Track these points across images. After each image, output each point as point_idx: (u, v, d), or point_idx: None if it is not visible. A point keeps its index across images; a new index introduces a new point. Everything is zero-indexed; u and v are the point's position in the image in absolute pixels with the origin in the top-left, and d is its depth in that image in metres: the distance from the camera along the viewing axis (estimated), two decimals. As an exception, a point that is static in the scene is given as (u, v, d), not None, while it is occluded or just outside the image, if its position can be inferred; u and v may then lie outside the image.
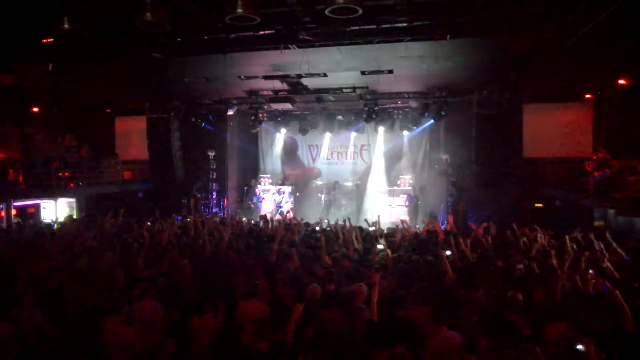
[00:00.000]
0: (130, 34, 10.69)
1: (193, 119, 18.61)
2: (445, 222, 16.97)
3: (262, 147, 23.61)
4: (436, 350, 5.32)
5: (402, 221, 13.28)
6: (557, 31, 9.83)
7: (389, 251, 9.14)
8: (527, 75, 13.94)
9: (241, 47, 11.33)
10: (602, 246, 9.72)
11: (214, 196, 22.25)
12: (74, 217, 15.10)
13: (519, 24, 9.93)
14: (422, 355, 5.25)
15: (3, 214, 15.83)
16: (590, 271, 7.75)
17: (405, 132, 20.34)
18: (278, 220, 13.63)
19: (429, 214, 18.85)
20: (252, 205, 21.32)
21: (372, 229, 12.74)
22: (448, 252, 9.37)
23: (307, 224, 13.19)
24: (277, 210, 20.55)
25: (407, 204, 19.47)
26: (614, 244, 9.50)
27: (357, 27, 10.39)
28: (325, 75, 13.88)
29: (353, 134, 21.91)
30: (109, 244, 10.08)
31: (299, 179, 22.76)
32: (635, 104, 15.36)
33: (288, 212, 20.05)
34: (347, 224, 12.64)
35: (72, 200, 18.55)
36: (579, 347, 4.93)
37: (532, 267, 8.29)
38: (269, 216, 15.30)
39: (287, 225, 12.75)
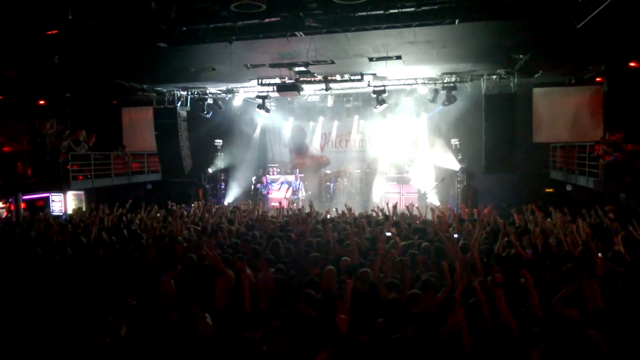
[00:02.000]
0: (136, 23, 10.64)
1: (200, 109, 18.59)
2: (456, 209, 16.89)
3: (269, 136, 23.58)
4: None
5: (411, 206, 13.20)
6: (566, 13, 9.68)
7: (397, 239, 9.10)
8: (537, 59, 13.77)
9: (247, 35, 11.22)
10: (613, 230, 9.66)
11: (222, 186, 22.30)
12: (83, 209, 15.15)
13: (529, 6, 9.79)
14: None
15: (13, 207, 15.93)
16: (600, 255, 7.68)
17: (414, 119, 20.24)
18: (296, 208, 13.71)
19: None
20: (260, 194, 21.34)
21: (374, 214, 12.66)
22: (455, 235, 9.39)
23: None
24: (294, 196, 20.66)
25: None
26: (630, 228, 9.39)
27: (364, 13, 10.25)
28: (332, 62, 13.78)
29: (362, 122, 21.84)
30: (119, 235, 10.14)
31: (307, 167, 22.72)
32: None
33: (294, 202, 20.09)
34: (347, 212, 12.58)
35: (81, 192, 18.64)
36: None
37: (540, 252, 8.25)
38: (284, 203, 15.40)
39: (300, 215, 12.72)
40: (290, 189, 21.32)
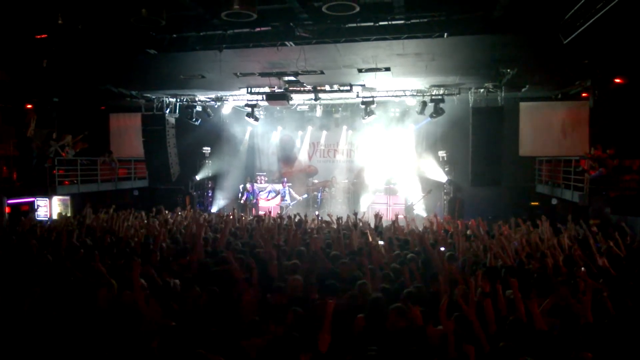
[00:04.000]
0: (125, 29, 10.62)
1: (189, 116, 18.56)
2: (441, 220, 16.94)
3: (258, 144, 23.54)
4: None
5: (398, 218, 13.20)
6: (553, 29, 9.82)
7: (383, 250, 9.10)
8: (524, 74, 13.93)
9: (237, 44, 11.25)
10: (597, 244, 9.72)
11: (210, 194, 22.23)
12: (69, 214, 15.02)
13: (517, 21, 9.92)
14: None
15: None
16: (583, 269, 7.72)
17: (402, 130, 20.32)
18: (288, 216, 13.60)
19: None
20: (249, 203, 21.28)
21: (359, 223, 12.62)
22: (442, 249, 9.38)
23: (298, 223, 13.01)
24: (285, 204, 20.65)
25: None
26: (611, 242, 9.47)
27: (354, 25, 10.34)
28: (322, 72, 13.84)
29: (350, 132, 21.87)
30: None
31: (295, 176, 22.72)
32: (631, 103, 15.39)
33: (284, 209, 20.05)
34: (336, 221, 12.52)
35: (67, 198, 18.47)
36: None
37: (526, 265, 8.28)
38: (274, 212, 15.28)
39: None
40: (279, 197, 21.30)
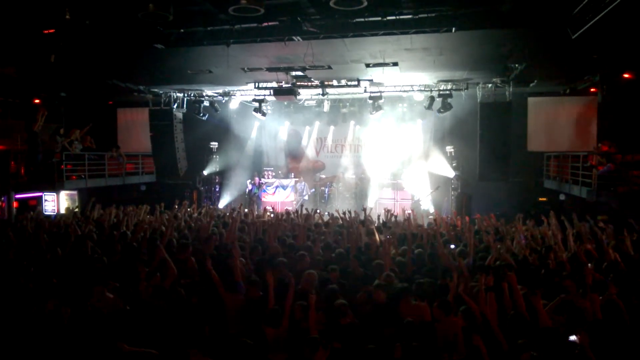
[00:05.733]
0: (133, 24, 10.63)
1: (196, 111, 18.58)
2: (449, 216, 16.92)
3: (265, 139, 23.57)
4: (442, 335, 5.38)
5: (406, 213, 13.21)
6: (562, 24, 9.76)
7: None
8: (533, 68, 13.86)
9: (245, 39, 11.23)
10: (605, 239, 9.69)
11: (217, 189, 22.27)
12: (76, 209, 15.09)
13: (525, 16, 9.86)
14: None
15: (4, 205, 15.87)
16: (589, 265, 7.70)
17: (410, 125, 20.28)
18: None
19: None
20: (254, 197, 21.30)
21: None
22: (452, 246, 9.34)
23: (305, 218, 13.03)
24: (301, 200, 20.68)
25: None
26: (618, 239, 9.43)
27: (362, 19, 10.30)
28: (329, 67, 13.81)
29: (357, 127, 21.87)
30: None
31: (302, 171, 22.73)
32: (640, 98, 15.32)
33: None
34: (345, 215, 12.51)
35: (74, 192, 18.56)
36: (573, 338, 4.88)
37: (530, 261, 8.27)
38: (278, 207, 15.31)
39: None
40: (287, 192, 21.27)
